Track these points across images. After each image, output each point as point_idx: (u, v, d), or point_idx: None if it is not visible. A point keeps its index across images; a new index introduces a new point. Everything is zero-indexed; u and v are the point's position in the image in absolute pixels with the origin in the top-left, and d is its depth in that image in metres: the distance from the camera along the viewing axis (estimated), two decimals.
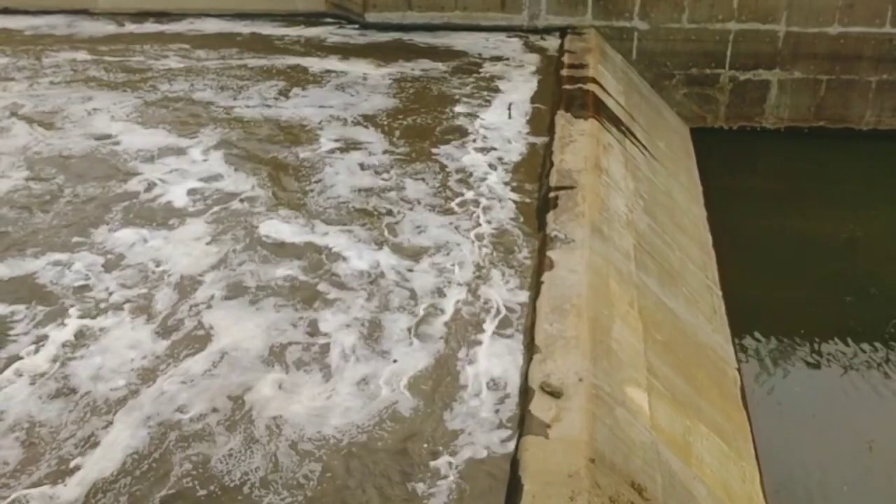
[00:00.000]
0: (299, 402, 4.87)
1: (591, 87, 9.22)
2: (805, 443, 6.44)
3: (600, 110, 8.80)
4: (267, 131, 8.43)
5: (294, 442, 4.58)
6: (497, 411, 4.82)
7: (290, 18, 12.01)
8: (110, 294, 5.80)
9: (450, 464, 4.47)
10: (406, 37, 11.27)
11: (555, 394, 4.75)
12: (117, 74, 9.98)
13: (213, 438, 4.59)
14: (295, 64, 10.38)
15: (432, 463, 4.47)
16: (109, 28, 11.81)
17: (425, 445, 4.59)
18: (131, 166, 7.63)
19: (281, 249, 6.36)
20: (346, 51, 10.85)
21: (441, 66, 10.28)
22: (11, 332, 5.39)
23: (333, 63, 10.42)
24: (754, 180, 10.59)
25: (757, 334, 7.54)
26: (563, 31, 10.97)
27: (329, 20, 11.96)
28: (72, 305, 5.65)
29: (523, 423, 4.63)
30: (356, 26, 11.65)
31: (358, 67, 10.24)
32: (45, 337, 5.35)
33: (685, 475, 4.93)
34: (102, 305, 5.67)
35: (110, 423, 4.67)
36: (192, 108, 8.98)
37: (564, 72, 9.64)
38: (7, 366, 5.09)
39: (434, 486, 4.32)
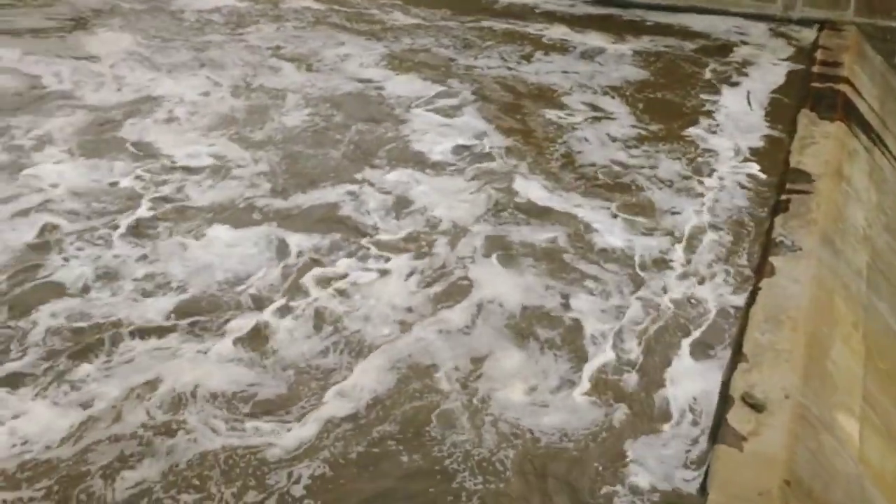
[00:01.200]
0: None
1: (842, 87, 8.60)
2: None
3: (850, 113, 8.20)
4: (515, 92, 8.66)
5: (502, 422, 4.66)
6: None
7: None
8: (393, 231, 6.33)
9: None
10: (625, 13, 11.03)
11: (757, 407, 4.52)
12: (359, 24, 10.43)
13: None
14: (514, 30, 10.42)
15: None
16: None
17: None
18: (398, 112, 8.15)
19: (538, 214, 6.57)
20: (569, 21, 10.77)
21: (688, 44, 10.08)
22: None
23: (564, 32, 10.38)
24: None
25: None
26: (820, 25, 10.27)
27: None
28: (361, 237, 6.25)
29: (717, 431, 4.46)
30: None
31: (590, 39, 10.16)
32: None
33: None
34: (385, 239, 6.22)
35: None
36: (436, 62, 9.35)
37: (815, 68, 9.04)
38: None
39: None
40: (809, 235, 6.04)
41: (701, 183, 7.14)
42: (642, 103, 8.56)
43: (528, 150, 7.53)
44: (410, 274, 5.83)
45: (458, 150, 7.49)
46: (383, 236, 6.23)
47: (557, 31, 10.32)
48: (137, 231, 6.16)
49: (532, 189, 6.87)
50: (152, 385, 4.79)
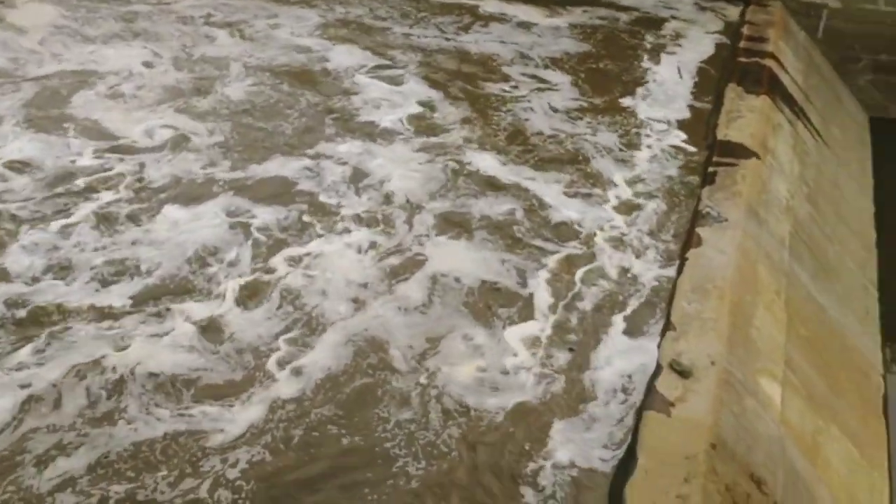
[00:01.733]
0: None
1: (768, 62, 8.80)
2: None
3: (775, 88, 8.41)
4: (458, 62, 8.74)
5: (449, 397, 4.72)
6: None
7: None
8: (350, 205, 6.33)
9: None
10: None
11: (683, 373, 4.68)
12: None
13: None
14: (449, 1, 10.37)
15: None
16: None
17: None
18: (344, 83, 8.13)
19: (490, 186, 6.64)
20: None
21: (623, 16, 10.21)
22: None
23: (497, 5, 10.39)
24: None
25: None
26: (745, 1, 10.47)
27: None
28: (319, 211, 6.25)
29: (647, 397, 4.60)
30: None
31: (523, 13, 10.20)
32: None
33: (809, 476, 4.77)
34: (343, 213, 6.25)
35: None
36: (374, 32, 9.31)
37: (742, 44, 9.22)
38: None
39: None
40: (735, 207, 6.22)
41: (636, 153, 7.27)
42: (583, 73, 8.68)
43: (476, 120, 7.60)
44: (367, 249, 5.86)
45: (409, 120, 7.53)
46: (341, 210, 6.23)
47: (491, 5, 10.32)
48: (97, 213, 6.06)
49: (483, 161, 6.95)
50: (97, 366, 4.75)
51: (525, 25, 9.75)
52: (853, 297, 6.90)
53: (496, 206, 6.38)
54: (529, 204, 6.44)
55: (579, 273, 5.77)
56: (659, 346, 4.97)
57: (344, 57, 8.66)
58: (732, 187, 6.47)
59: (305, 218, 6.14)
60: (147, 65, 8.26)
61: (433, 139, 7.27)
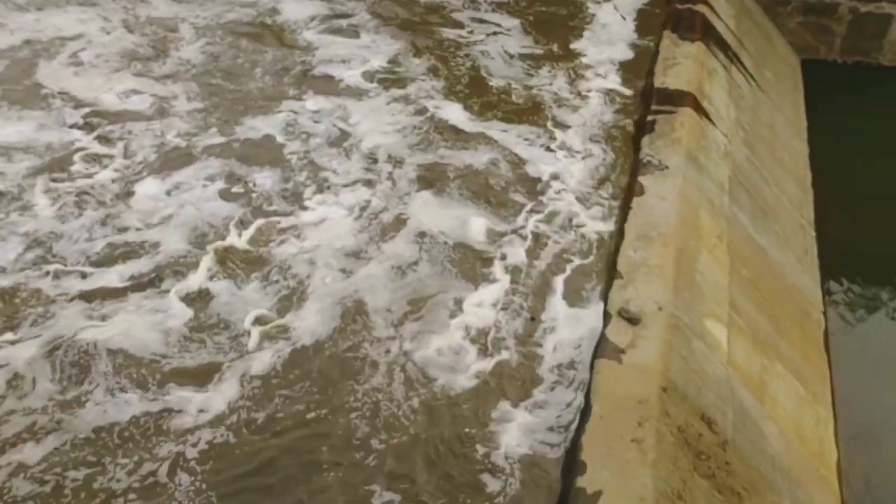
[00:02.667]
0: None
1: (700, 8, 8.85)
2: (885, 392, 6.29)
3: (708, 34, 8.46)
4: (408, 10, 8.72)
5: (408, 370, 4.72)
6: None
7: None
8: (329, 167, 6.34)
9: None
10: None
11: (632, 320, 4.74)
12: None
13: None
14: None
15: None
16: None
17: None
18: (299, 37, 8.09)
19: (459, 138, 6.71)
20: None
21: None
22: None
23: None
24: (863, 119, 10.04)
25: (847, 280, 7.31)
26: None
27: None
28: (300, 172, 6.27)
29: (599, 346, 4.65)
30: None
31: None
32: None
33: (757, 413, 4.89)
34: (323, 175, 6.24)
35: None
36: None
37: None
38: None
39: None
40: (675, 154, 6.27)
41: (583, 100, 7.38)
42: (532, 17, 8.75)
43: (438, 69, 7.63)
44: (352, 209, 5.88)
45: (373, 74, 7.52)
46: (321, 173, 6.21)
47: None
48: (87, 187, 5.96)
49: (451, 112, 7.01)
50: (71, 344, 4.69)
51: None
52: (792, 238, 7.04)
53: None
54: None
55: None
56: (606, 295, 5.02)
57: (293, 6, 8.54)
58: (671, 134, 6.52)
59: (290, 177, 6.16)
60: (103, 31, 8.01)
61: (400, 91, 7.30)
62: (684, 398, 4.42)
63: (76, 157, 6.24)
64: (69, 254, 5.34)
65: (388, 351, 4.78)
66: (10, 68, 7.33)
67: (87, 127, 6.59)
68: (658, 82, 7.30)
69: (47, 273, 5.17)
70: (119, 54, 7.62)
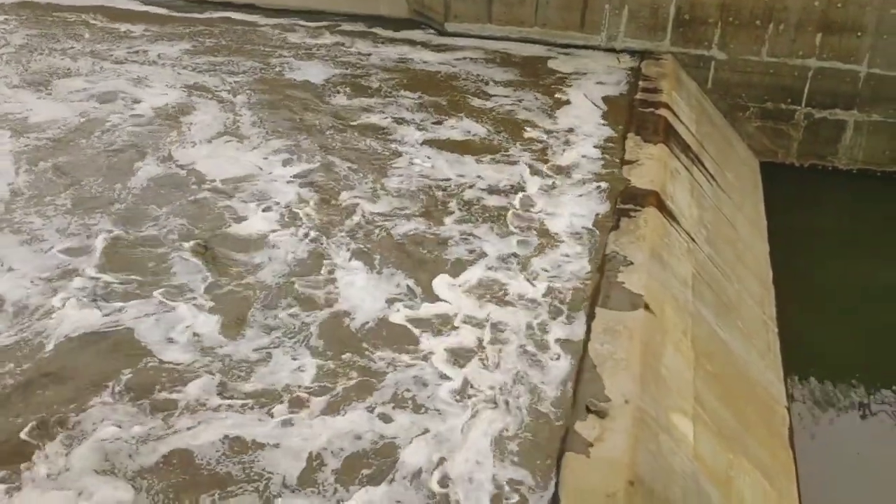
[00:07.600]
0: None
1: (663, 112, 9.20)
2: (851, 488, 6.33)
3: (670, 136, 8.78)
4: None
5: None
6: None
7: (371, 20, 12.12)
8: None
9: None
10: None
11: (600, 413, 4.78)
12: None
13: None
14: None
15: None
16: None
17: None
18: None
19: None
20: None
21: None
22: None
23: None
24: (821, 220, 10.37)
25: (810, 375, 7.42)
26: (641, 55, 10.95)
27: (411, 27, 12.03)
28: None
29: (566, 439, 4.68)
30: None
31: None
32: None
33: None
34: None
35: None
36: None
37: (638, 95, 9.63)
38: None
39: None
40: (640, 251, 6.43)
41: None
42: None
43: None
44: None
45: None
46: None
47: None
48: None
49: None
50: None
51: None
52: (754, 334, 7.18)
53: None
54: None
55: None
56: (574, 388, 5.07)
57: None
58: (636, 231, 6.70)
59: None
60: None
61: None
62: (651, 493, 4.44)
63: None
64: None
65: None
66: None
67: None
68: (623, 183, 7.53)
69: None
70: None
